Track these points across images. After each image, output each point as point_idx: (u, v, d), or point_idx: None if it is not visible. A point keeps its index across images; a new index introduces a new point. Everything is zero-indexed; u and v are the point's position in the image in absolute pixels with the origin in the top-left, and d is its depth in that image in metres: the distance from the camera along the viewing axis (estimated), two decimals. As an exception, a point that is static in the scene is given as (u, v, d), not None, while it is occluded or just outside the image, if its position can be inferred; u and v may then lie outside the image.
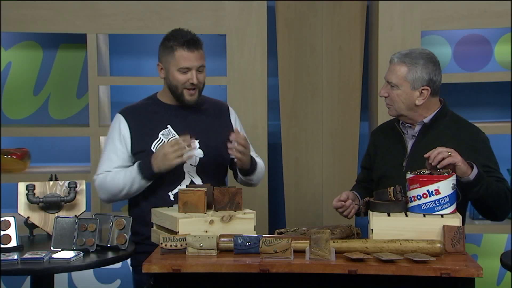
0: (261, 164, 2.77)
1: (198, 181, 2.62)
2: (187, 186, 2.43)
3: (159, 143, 2.61)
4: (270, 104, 3.58)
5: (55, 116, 3.78)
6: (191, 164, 2.62)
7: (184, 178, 2.60)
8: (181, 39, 2.58)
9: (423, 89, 2.47)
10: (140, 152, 2.62)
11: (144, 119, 2.65)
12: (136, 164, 2.57)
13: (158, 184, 2.60)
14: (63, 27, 3.47)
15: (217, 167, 2.69)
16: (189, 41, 2.58)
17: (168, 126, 2.64)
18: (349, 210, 2.48)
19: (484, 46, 3.69)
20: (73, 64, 3.75)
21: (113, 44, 3.73)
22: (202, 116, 2.68)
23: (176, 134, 2.62)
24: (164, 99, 2.69)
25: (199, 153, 2.62)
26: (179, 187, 2.56)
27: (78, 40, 3.65)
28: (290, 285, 2.10)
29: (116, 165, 2.62)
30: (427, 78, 2.46)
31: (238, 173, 2.71)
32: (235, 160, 2.60)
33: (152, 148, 2.61)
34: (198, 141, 2.61)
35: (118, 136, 2.64)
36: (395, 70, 2.48)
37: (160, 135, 2.63)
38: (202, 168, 2.63)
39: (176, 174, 2.58)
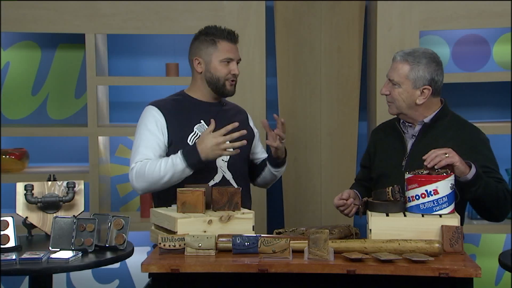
0: None
1: (229, 176, 2.63)
2: (185, 186, 2.43)
3: (194, 137, 2.61)
4: (269, 104, 3.58)
5: (54, 116, 3.77)
6: (223, 160, 2.63)
7: (216, 173, 2.61)
8: (223, 31, 2.64)
9: (424, 89, 2.47)
10: (175, 143, 2.60)
11: (178, 112, 2.65)
12: (179, 152, 2.51)
13: (191, 180, 2.55)
14: (62, 27, 3.47)
15: (243, 164, 2.72)
16: (231, 33, 2.65)
17: (201, 121, 2.65)
18: (350, 208, 2.48)
19: (482, 46, 3.69)
20: (71, 64, 3.75)
21: (112, 44, 3.73)
22: (228, 116, 2.71)
23: None
24: (195, 95, 2.69)
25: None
26: (212, 181, 2.58)
27: (76, 40, 3.65)
28: (289, 285, 2.10)
29: (156, 152, 2.56)
30: (429, 78, 2.46)
31: (268, 165, 2.74)
32: (272, 150, 2.66)
33: (188, 141, 2.61)
34: None
35: (155, 125, 2.59)
36: (397, 68, 2.48)
37: (195, 129, 2.63)
38: (232, 164, 2.64)
39: (209, 169, 2.59)
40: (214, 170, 2.62)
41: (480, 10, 3.37)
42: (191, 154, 2.49)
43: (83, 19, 3.45)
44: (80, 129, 3.53)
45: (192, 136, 2.62)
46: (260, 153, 2.85)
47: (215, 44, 2.62)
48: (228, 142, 2.49)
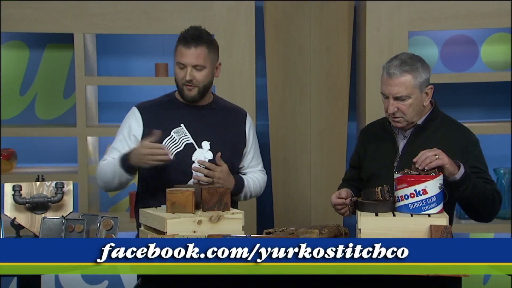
0: (256, 182, 2.73)
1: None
2: (174, 187, 2.42)
3: (170, 140, 2.61)
4: (258, 104, 3.58)
5: (42, 116, 3.75)
6: (199, 165, 2.60)
7: (191, 178, 2.58)
8: (184, 34, 2.58)
9: (427, 89, 2.49)
10: None
11: (159, 115, 2.64)
12: (118, 155, 2.56)
13: (165, 182, 2.57)
14: (50, 27, 3.45)
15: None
16: (188, 37, 2.56)
17: (182, 124, 2.63)
18: (347, 208, 2.47)
19: (470, 46, 3.72)
20: (60, 64, 3.73)
21: (101, 44, 3.72)
22: (217, 119, 2.67)
23: (188, 133, 2.62)
24: (181, 98, 2.67)
25: (208, 155, 2.60)
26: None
27: (65, 40, 3.64)
28: (280, 285, 2.10)
29: (118, 155, 2.60)
30: (428, 77, 2.49)
31: None
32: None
33: (164, 144, 2.59)
34: (209, 143, 2.61)
35: (128, 129, 2.64)
36: (401, 83, 2.44)
37: (172, 133, 2.62)
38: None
39: (183, 173, 2.58)
40: (188, 175, 2.57)
41: (468, 11, 3.39)
42: (124, 159, 2.53)
43: (72, 18, 3.43)
44: (68, 129, 3.51)
45: (168, 140, 2.61)
46: (246, 167, 2.74)
47: (176, 47, 2.59)
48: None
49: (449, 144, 2.45)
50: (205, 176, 2.53)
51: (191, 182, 2.58)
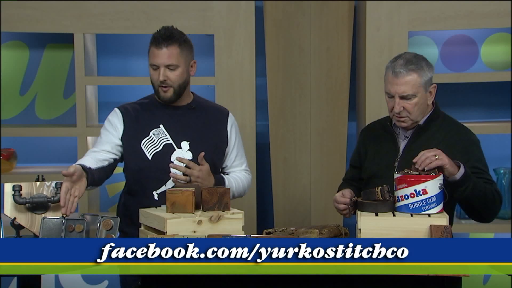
0: (239, 182, 2.71)
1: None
2: (173, 187, 2.43)
3: (149, 141, 2.60)
4: (258, 104, 3.58)
5: (42, 116, 3.75)
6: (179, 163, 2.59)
7: (169, 179, 2.58)
8: (155, 34, 2.57)
9: (431, 88, 2.49)
10: (128, 148, 2.62)
11: (139, 117, 2.64)
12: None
13: (144, 183, 2.60)
14: (50, 27, 3.45)
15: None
16: (158, 37, 2.55)
17: (161, 125, 2.63)
18: (349, 209, 2.47)
19: (470, 46, 3.72)
20: (60, 64, 3.73)
21: (101, 44, 3.72)
22: (197, 119, 2.66)
23: (167, 134, 2.61)
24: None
25: (188, 155, 2.61)
26: (164, 187, 2.57)
27: (65, 40, 3.64)
28: (280, 285, 2.10)
29: (102, 147, 2.62)
30: (431, 76, 2.49)
31: None
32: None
33: (141, 145, 2.60)
34: (189, 143, 2.60)
35: (113, 126, 2.64)
36: (407, 81, 2.44)
37: (151, 134, 2.62)
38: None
39: (162, 174, 2.58)
40: (167, 175, 2.56)
41: (468, 11, 3.39)
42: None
43: (72, 18, 3.43)
44: (68, 129, 3.51)
45: (147, 140, 2.61)
46: (229, 167, 2.74)
47: (149, 49, 2.59)
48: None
49: (450, 144, 2.45)
50: (183, 174, 2.52)
51: (170, 182, 2.58)
